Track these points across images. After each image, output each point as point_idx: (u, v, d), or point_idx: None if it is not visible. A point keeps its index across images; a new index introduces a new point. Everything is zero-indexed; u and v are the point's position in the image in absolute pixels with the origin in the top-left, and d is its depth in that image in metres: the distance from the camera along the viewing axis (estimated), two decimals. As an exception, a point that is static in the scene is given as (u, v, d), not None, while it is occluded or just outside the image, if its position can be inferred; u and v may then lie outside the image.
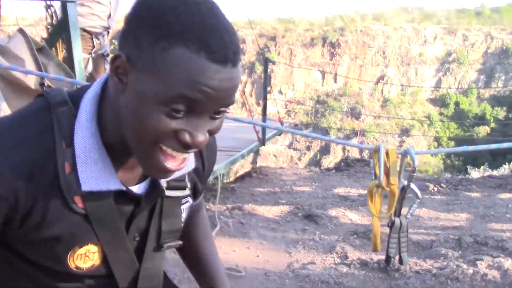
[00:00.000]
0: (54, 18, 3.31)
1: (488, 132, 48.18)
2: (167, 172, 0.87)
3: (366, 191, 4.96)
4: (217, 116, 0.86)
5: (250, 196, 5.61)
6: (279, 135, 8.15)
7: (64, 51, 3.31)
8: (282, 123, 7.54)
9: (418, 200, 1.82)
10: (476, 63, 55.79)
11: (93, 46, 4.00)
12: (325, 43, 52.25)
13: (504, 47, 53.58)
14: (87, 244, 0.93)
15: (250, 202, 5.27)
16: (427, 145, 50.97)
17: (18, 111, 0.91)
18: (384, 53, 54.77)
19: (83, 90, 0.93)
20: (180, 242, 1.10)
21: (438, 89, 55.31)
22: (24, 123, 0.87)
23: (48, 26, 3.42)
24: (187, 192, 1.09)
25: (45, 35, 3.56)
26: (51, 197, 0.86)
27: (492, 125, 47.80)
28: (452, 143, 49.54)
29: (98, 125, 0.89)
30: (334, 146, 45.35)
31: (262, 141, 6.61)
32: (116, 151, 0.91)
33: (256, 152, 7.30)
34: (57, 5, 3.35)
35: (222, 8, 0.85)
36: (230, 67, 0.80)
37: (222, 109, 0.84)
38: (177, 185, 1.05)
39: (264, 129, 6.48)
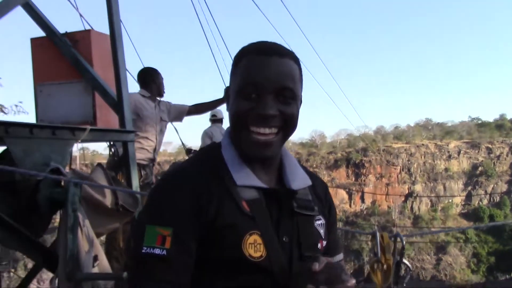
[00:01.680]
0: (117, 154, 4.10)
1: (528, 244, 46.66)
2: (260, 144, 1.15)
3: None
4: (284, 98, 1.15)
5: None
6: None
7: (123, 180, 4.05)
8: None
9: (410, 272, 2.36)
10: (504, 174, 55.63)
11: (141, 176, 4.75)
12: (349, 164, 53.31)
13: (531, 157, 53.67)
14: (253, 234, 1.13)
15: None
16: (466, 262, 49.24)
17: (187, 160, 1.30)
18: (409, 170, 55.24)
19: (214, 144, 1.31)
20: (319, 254, 1.25)
21: (469, 203, 54.65)
22: (193, 160, 1.25)
23: (111, 161, 4.19)
24: (316, 213, 1.28)
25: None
26: (227, 201, 1.14)
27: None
28: (493, 258, 47.86)
29: (234, 148, 1.22)
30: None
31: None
32: (247, 160, 1.21)
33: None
34: (118, 144, 4.14)
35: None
36: (276, 57, 1.15)
37: (285, 93, 1.15)
38: (305, 205, 1.25)
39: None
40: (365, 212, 52.31)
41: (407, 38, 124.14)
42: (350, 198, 53.19)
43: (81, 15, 4.59)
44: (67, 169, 3.28)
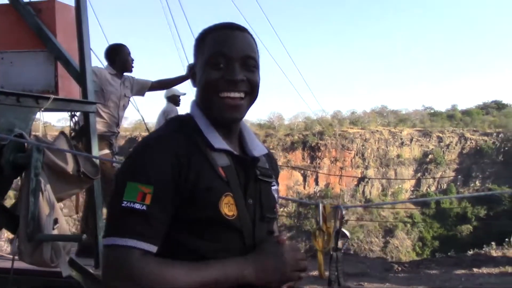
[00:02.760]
0: (77, 124, 4.19)
1: (471, 230, 48.72)
2: (231, 107, 1.29)
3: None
4: (248, 67, 1.30)
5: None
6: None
7: (84, 150, 4.16)
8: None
9: (348, 239, 2.64)
10: (452, 163, 57.51)
11: (112, 145, 4.95)
12: (305, 147, 53.95)
13: (478, 147, 55.59)
14: (228, 196, 1.25)
15: None
16: (412, 245, 51.07)
17: (162, 126, 1.38)
18: (363, 155, 56.36)
19: (183, 115, 1.42)
20: (276, 216, 1.45)
21: (418, 189, 56.37)
22: (169, 127, 1.33)
23: (72, 132, 4.29)
24: (273, 180, 1.45)
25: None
26: (205, 165, 1.25)
27: (474, 223, 48.55)
28: (437, 242, 49.83)
29: (205, 116, 1.33)
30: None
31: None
32: (216, 128, 1.32)
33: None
34: (79, 115, 4.24)
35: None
36: (238, 31, 1.33)
37: (249, 62, 1.30)
38: (265, 172, 1.41)
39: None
40: (318, 194, 53.09)
41: (367, 24, 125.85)
42: (304, 180, 53.88)
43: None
44: (31, 137, 3.38)
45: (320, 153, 54.56)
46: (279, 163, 51.85)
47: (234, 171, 1.31)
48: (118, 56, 5.11)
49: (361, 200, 54.12)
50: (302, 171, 52.74)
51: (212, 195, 1.23)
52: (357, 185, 55.04)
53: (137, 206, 1.14)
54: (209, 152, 1.27)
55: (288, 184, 52.86)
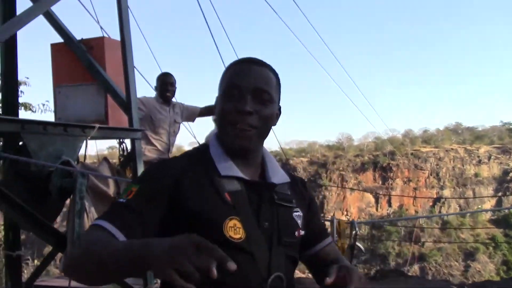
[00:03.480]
0: (125, 150, 4.50)
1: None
2: (239, 136, 1.33)
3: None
4: (261, 99, 1.34)
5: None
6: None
7: (131, 175, 4.44)
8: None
9: (363, 253, 2.68)
10: (536, 181, 54.35)
11: None
12: (376, 167, 52.95)
13: None
14: (233, 219, 1.27)
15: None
16: (495, 270, 48.26)
17: (185, 152, 1.47)
18: (437, 175, 54.49)
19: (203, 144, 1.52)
20: (296, 241, 1.41)
21: (500, 210, 53.51)
22: (183, 154, 1.43)
23: (120, 157, 4.60)
24: (294, 205, 1.44)
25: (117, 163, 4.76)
26: (209, 189, 1.29)
27: None
28: (524, 265, 46.83)
29: (220, 146, 1.39)
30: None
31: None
32: (231, 156, 1.37)
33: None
34: (127, 142, 4.54)
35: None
36: (255, 66, 1.37)
37: (262, 95, 1.34)
38: (284, 197, 1.41)
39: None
40: (391, 216, 51.75)
41: (436, 39, 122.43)
42: (376, 201, 52.80)
43: (98, 23, 5.03)
44: (78, 164, 3.69)
45: (392, 174, 53.39)
46: (350, 184, 51.39)
47: (245, 195, 1.33)
48: (157, 85, 5.40)
49: (438, 222, 52.04)
50: (374, 193, 51.63)
51: (216, 218, 1.25)
52: (433, 206, 53.10)
53: (121, 200, 1.23)
54: (217, 178, 1.31)
55: (359, 206, 51.98)
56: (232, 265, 0.92)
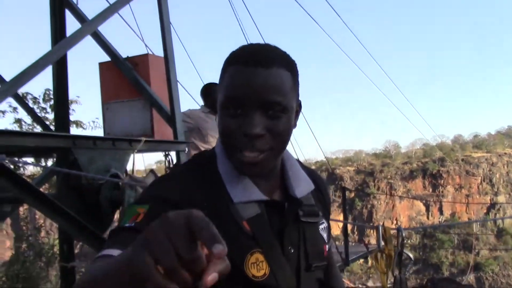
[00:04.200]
0: (171, 163, 4.61)
1: None
2: (248, 164, 1.04)
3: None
4: (273, 112, 1.03)
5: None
6: (365, 258, 8.78)
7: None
8: (367, 248, 8.25)
9: (412, 261, 2.64)
10: None
11: None
12: (426, 174, 51.72)
13: None
14: (255, 253, 1.05)
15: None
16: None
17: (185, 164, 1.21)
18: (491, 180, 52.69)
19: (209, 151, 1.19)
20: (326, 263, 1.21)
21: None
22: (190, 172, 1.11)
23: (167, 169, 4.72)
24: (321, 218, 1.23)
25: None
26: (226, 220, 1.04)
27: None
28: None
29: (228, 159, 1.10)
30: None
31: (346, 261, 7.36)
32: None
33: (341, 271, 8.03)
34: (173, 154, 4.66)
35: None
36: (261, 69, 1.02)
37: (273, 107, 1.02)
38: (310, 212, 1.19)
39: (347, 251, 7.27)
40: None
41: (483, 39, 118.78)
42: (427, 209, 51.48)
43: (143, 41, 5.20)
44: (126, 176, 3.82)
45: (442, 181, 52.02)
46: (399, 192, 50.39)
47: (266, 219, 1.10)
48: (210, 94, 5.51)
49: (493, 229, 50.18)
50: (424, 201, 50.41)
51: (235, 257, 1.00)
52: (487, 213, 51.24)
53: (127, 224, 0.97)
54: (231, 204, 1.07)
55: (410, 214, 50.86)
56: (219, 248, 0.59)
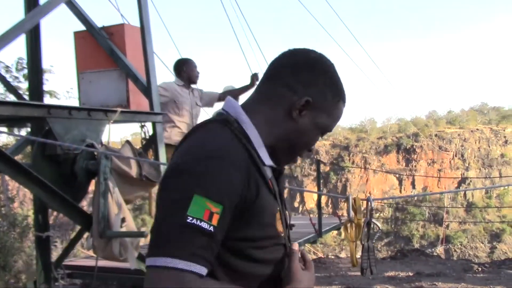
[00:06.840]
0: (147, 134, 4.63)
1: None
2: (294, 162, 1.34)
3: (413, 273, 5.58)
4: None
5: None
6: (338, 229, 8.98)
7: (152, 157, 4.58)
8: (340, 219, 8.45)
9: (380, 230, 2.75)
10: None
11: None
12: (400, 149, 52.44)
13: None
14: (278, 211, 1.21)
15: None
16: (522, 250, 47.64)
17: (208, 134, 1.17)
18: (462, 156, 53.72)
19: (225, 114, 1.24)
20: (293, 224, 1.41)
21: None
22: (221, 138, 1.14)
23: (143, 140, 4.74)
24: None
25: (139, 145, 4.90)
26: (261, 181, 1.16)
27: None
28: (551, 248, 46.10)
29: (254, 127, 1.22)
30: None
31: (319, 233, 7.52)
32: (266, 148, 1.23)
33: (314, 242, 8.21)
34: (149, 125, 4.67)
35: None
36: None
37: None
38: (283, 177, 1.38)
39: (320, 223, 7.44)
40: (415, 199, 51.36)
41: (458, 19, 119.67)
42: (400, 184, 52.32)
43: (118, 11, 5.13)
44: (101, 146, 3.83)
45: (415, 156, 52.78)
46: (373, 166, 51.09)
47: (275, 182, 1.27)
48: (184, 69, 5.53)
49: (463, 203, 51.40)
50: (397, 175, 51.19)
51: (270, 213, 1.18)
52: (458, 187, 52.35)
53: (204, 225, 1.01)
54: (262, 165, 1.19)
55: (383, 188, 51.61)
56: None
